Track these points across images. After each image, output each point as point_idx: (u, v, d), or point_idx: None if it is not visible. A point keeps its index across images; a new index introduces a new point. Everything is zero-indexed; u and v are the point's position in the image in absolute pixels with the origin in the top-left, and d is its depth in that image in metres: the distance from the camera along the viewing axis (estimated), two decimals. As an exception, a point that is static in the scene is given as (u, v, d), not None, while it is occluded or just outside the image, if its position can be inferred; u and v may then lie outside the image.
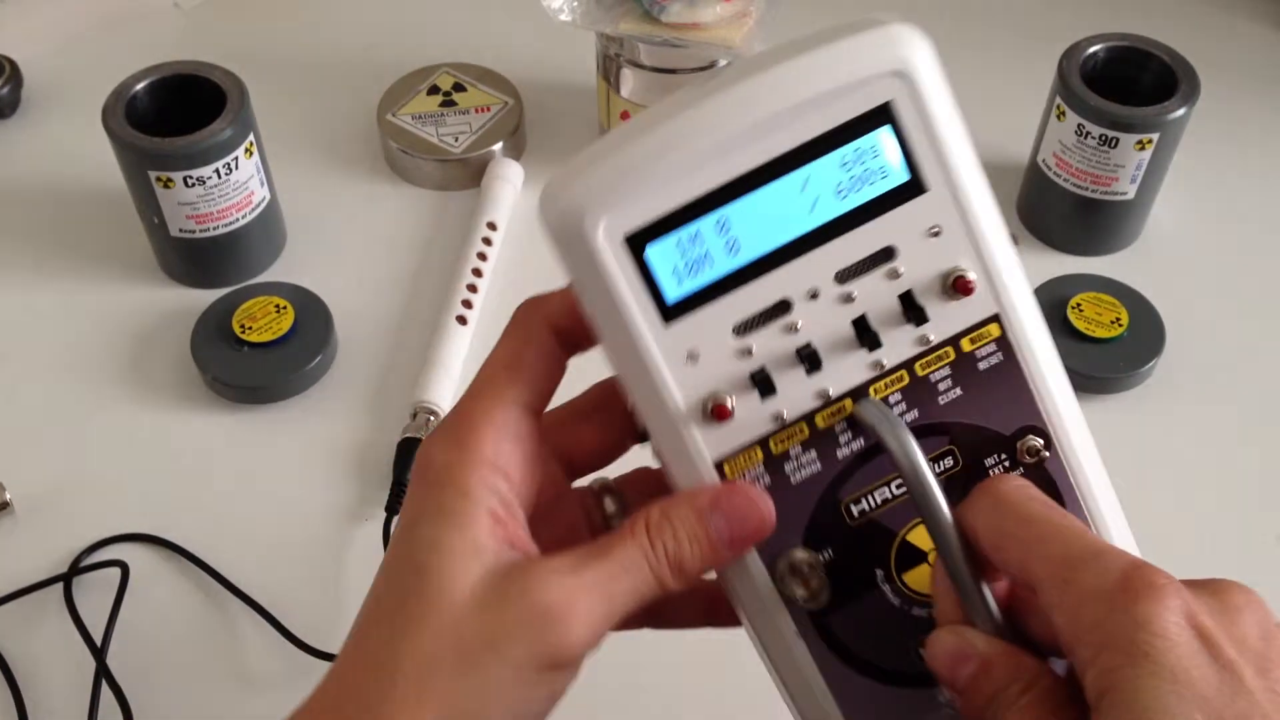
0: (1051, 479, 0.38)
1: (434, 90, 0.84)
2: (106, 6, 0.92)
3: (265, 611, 0.61)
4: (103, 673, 0.59)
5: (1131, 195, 0.75)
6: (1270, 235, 0.80)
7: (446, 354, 0.70)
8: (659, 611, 0.41)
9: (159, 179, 0.70)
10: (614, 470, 0.44)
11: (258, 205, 0.74)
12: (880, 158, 0.35)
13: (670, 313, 0.35)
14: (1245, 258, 0.79)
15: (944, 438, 0.38)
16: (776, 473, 0.37)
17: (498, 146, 0.81)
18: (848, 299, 0.36)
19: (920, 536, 0.38)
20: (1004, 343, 0.37)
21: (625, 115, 0.78)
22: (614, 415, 0.41)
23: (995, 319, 0.37)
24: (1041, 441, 0.38)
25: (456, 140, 0.81)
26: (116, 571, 0.62)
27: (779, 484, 0.37)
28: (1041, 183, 0.77)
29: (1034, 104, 0.77)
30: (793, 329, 0.36)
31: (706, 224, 0.35)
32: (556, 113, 0.86)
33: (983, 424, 0.38)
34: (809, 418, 0.37)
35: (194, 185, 0.70)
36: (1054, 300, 0.72)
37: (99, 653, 0.59)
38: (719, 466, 0.37)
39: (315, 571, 0.63)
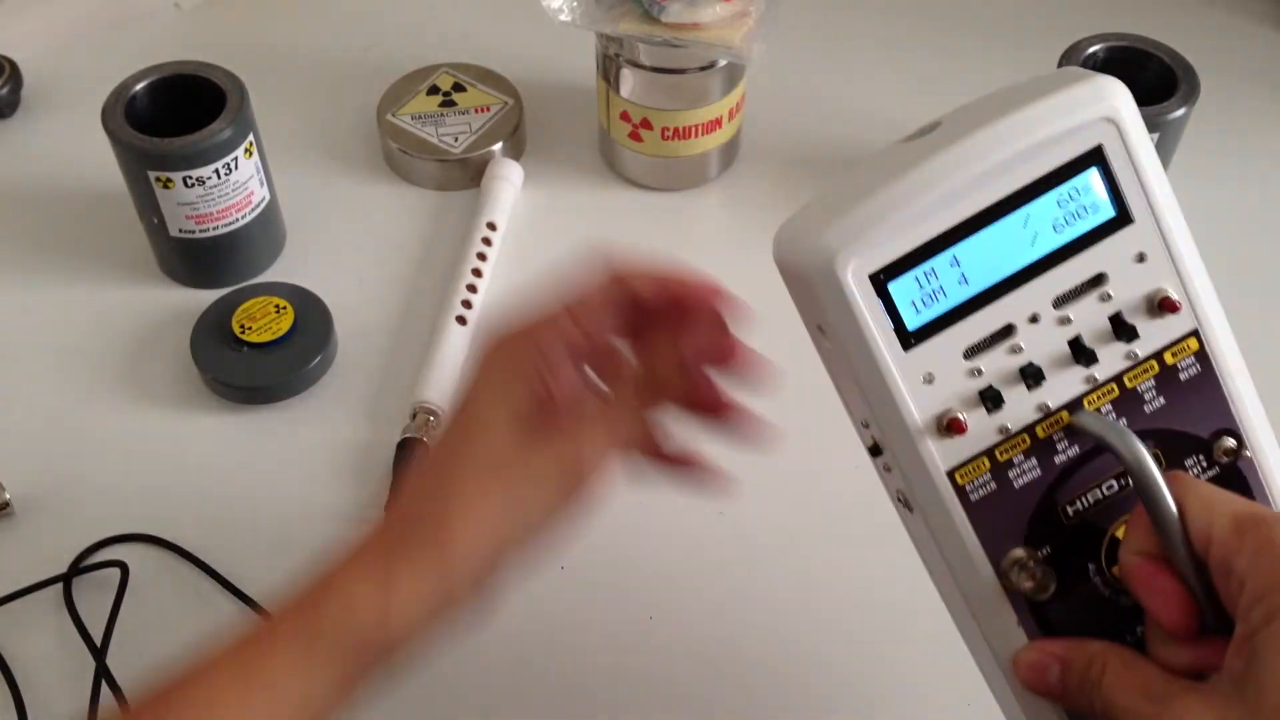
0: (1244, 476, 0.43)
1: (434, 90, 0.84)
2: (106, 6, 0.92)
3: (265, 611, 0.61)
4: (102, 673, 0.59)
5: (1131, 195, 0.75)
6: (1270, 235, 0.80)
7: (446, 354, 0.70)
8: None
9: (159, 179, 0.70)
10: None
11: (257, 205, 0.74)
12: (1091, 194, 0.40)
13: (910, 340, 0.40)
14: (1245, 257, 0.79)
15: (1149, 442, 0.41)
16: (1001, 479, 0.41)
17: (497, 146, 0.81)
18: (1065, 321, 0.41)
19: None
20: (1201, 355, 0.42)
21: (625, 115, 0.78)
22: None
23: (1194, 333, 0.42)
24: (1235, 442, 0.42)
25: (456, 140, 0.81)
26: (116, 571, 0.62)
27: (1003, 488, 0.41)
28: (1041, 183, 0.77)
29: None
30: (1017, 350, 0.41)
31: (941, 261, 0.40)
32: (556, 113, 0.86)
33: (1183, 428, 0.42)
34: (1030, 429, 0.41)
35: (194, 185, 0.70)
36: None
37: (99, 653, 0.59)
38: (950, 475, 0.41)
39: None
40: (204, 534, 0.65)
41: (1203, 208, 0.81)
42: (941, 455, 0.41)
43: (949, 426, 0.40)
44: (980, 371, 0.41)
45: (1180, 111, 0.71)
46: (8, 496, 0.65)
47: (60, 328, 0.74)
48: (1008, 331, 0.41)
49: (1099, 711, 0.39)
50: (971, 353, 0.41)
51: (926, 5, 0.95)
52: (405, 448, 0.66)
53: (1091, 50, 0.75)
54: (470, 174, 0.81)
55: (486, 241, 0.76)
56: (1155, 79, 0.74)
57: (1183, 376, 0.42)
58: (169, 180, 0.70)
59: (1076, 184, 0.40)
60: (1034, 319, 0.41)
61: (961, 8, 0.95)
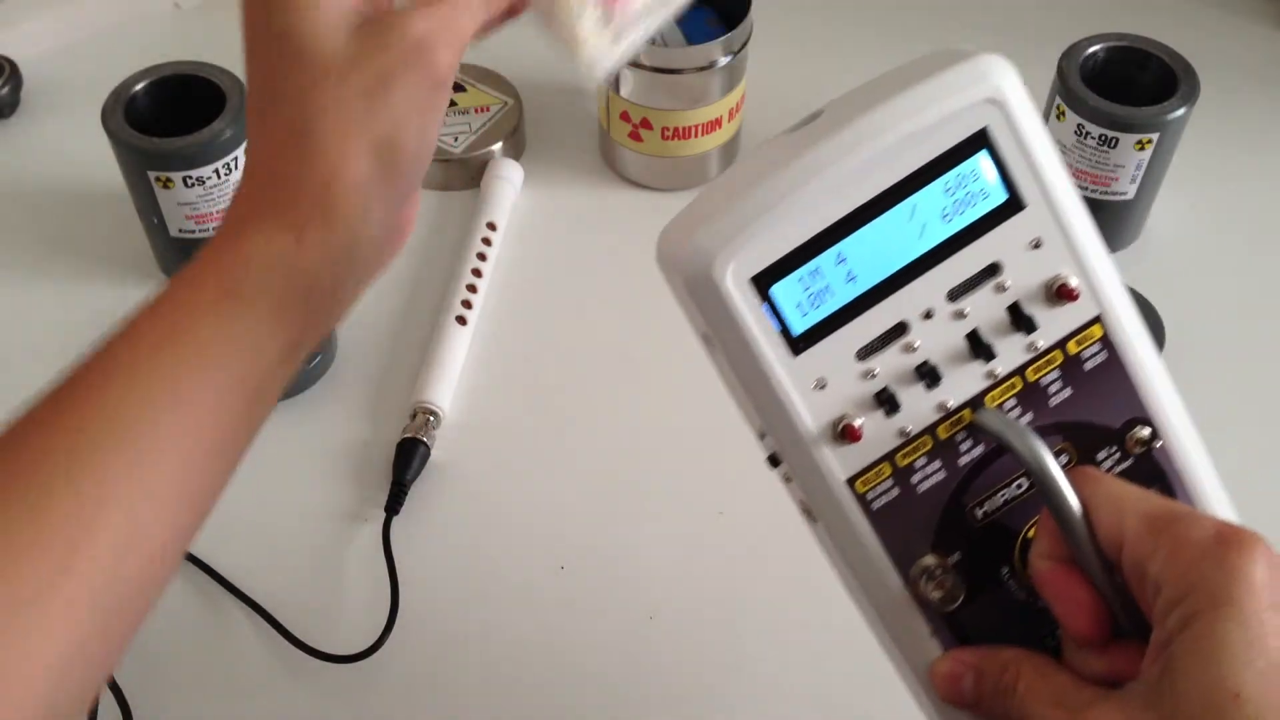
0: (1160, 467, 0.41)
1: (434, 90, 0.84)
2: (106, 6, 0.92)
3: (264, 611, 0.61)
4: (102, 673, 0.59)
5: (1131, 195, 0.75)
6: (1270, 235, 0.80)
7: (446, 354, 0.70)
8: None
9: (159, 179, 0.70)
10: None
11: (258, 205, 0.74)
12: (980, 180, 0.38)
13: (798, 344, 0.38)
14: (1245, 258, 0.79)
15: (1057, 436, 0.40)
16: (904, 484, 0.39)
17: (498, 146, 0.81)
18: (960, 315, 0.39)
19: None
20: (1106, 341, 0.40)
21: (625, 115, 0.78)
22: None
23: (1097, 320, 0.40)
24: (1149, 431, 0.40)
25: (456, 140, 0.81)
26: (116, 571, 0.62)
27: (906, 494, 0.39)
28: (1041, 183, 0.77)
29: (1034, 104, 0.77)
30: (911, 348, 0.39)
31: (825, 259, 0.37)
32: (556, 113, 0.86)
33: (1093, 420, 0.40)
34: (931, 430, 0.39)
35: (194, 185, 0.70)
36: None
37: (99, 653, 0.59)
38: (850, 483, 0.39)
39: (314, 572, 0.63)
40: (204, 534, 0.64)
41: (1203, 208, 0.81)
42: (839, 463, 0.39)
43: (844, 433, 0.38)
44: (874, 373, 0.39)
45: (1180, 111, 0.71)
46: (8, 496, 0.65)
47: (60, 328, 0.74)
48: (901, 329, 0.38)
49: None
50: (864, 354, 0.38)
51: (927, 5, 0.95)
52: (405, 448, 0.66)
53: (1091, 50, 0.75)
54: (470, 174, 0.81)
55: (486, 241, 0.76)
56: (1155, 79, 0.74)
57: (1088, 366, 0.40)
58: (169, 180, 0.70)
59: (963, 170, 0.37)
60: (928, 315, 0.38)
61: (961, 8, 0.95)
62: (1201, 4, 0.95)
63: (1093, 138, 0.72)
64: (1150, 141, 0.72)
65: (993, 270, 0.39)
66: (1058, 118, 0.74)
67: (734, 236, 0.37)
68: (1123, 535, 0.36)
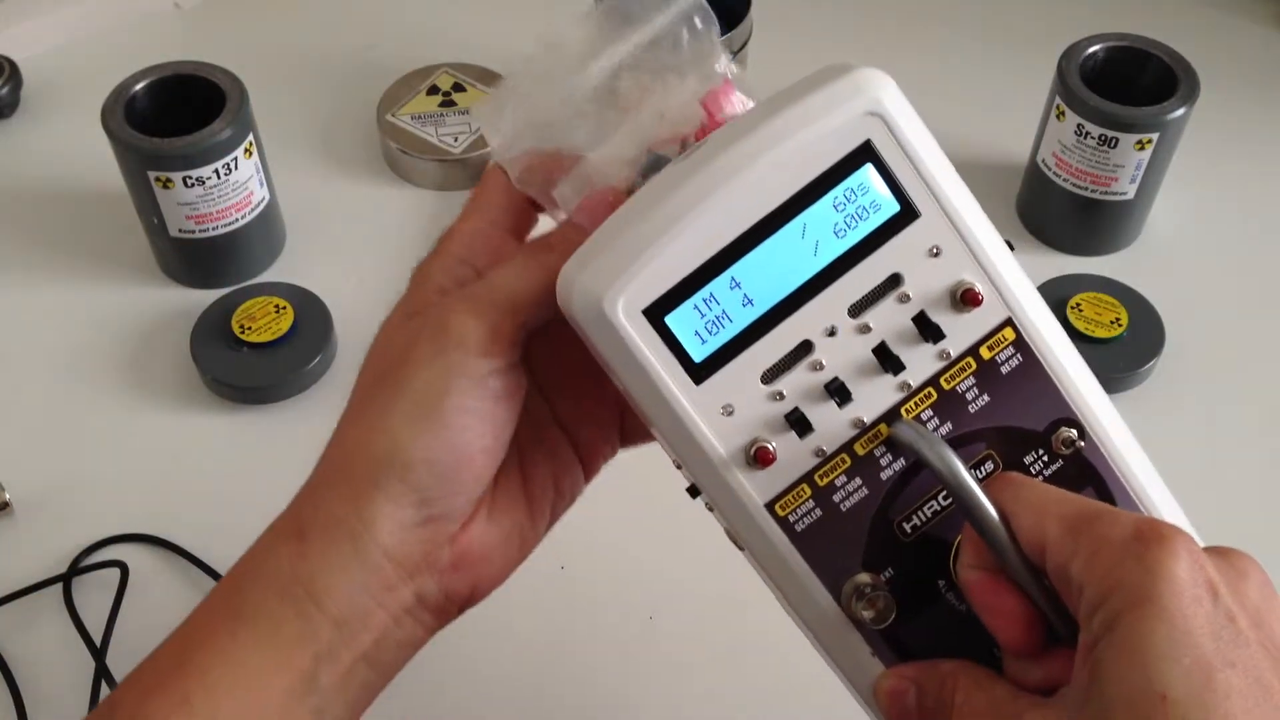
0: (1092, 466, 0.40)
1: (434, 90, 0.84)
2: (106, 6, 0.92)
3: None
4: (102, 673, 0.59)
5: (1131, 195, 0.75)
6: (1270, 235, 0.80)
7: (446, 354, 0.70)
8: (623, 423, 0.46)
9: (159, 179, 0.70)
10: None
11: (257, 205, 0.74)
12: (870, 193, 0.37)
13: (699, 373, 0.37)
14: (1245, 258, 0.79)
15: (980, 444, 0.39)
16: (826, 504, 0.39)
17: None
18: (865, 329, 0.38)
19: None
20: (1020, 343, 0.39)
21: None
22: None
23: (1008, 323, 0.39)
24: (1075, 432, 0.39)
25: (456, 140, 0.81)
26: (116, 571, 0.62)
27: (830, 514, 0.39)
28: (1041, 183, 0.77)
29: (1034, 104, 0.77)
30: (818, 366, 0.38)
31: (718, 285, 0.37)
32: (556, 113, 0.86)
33: (1015, 424, 0.39)
34: (848, 447, 0.39)
35: (194, 185, 0.70)
36: (1054, 301, 0.72)
37: (99, 653, 0.59)
38: (770, 507, 0.38)
39: (315, 571, 0.63)
40: (204, 534, 0.64)
41: (1203, 208, 0.81)
42: (756, 488, 0.38)
43: (757, 457, 0.38)
44: (782, 394, 0.38)
45: (1180, 111, 0.71)
46: (8, 496, 0.65)
47: (60, 327, 0.74)
48: (805, 349, 0.38)
49: None
50: (770, 376, 0.38)
51: (927, 6, 0.95)
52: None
53: (1091, 50, 0.75)
54: (470, 174, 0.81)
55: (486, 241, 0.76)
56: (1155, 79, 0.74)
57: (1004, 369, 0.39)
58: (169, 180, 0.70)
59: (851, 184, 0.37)
60: (831, 332, 0.38)
61: (961, 8, 0.95)
62: (1201, 4, 0.95)
63: (1093, 138, 0.72)
64: (1150, 141, 0.72)
65: (894, 282, 0.38)
66: (1058, 118, 0.74)
67: (621, 271, 0.36)
68: (1045, 540, 0.35)
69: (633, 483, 0.67)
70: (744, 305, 0.37)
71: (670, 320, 0.37)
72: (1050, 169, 0.76)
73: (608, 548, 0.65)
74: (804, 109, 0.37)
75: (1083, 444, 0.40)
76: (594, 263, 0.37)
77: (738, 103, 0.39)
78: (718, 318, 0.37)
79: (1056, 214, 0.78)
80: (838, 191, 0.37)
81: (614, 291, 0.36)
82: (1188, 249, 0.79)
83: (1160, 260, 0.78)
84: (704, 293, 0.37)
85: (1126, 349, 0.71)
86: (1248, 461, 0.69)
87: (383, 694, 0.62)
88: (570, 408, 0.44)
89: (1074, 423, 0.39)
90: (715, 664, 0.61)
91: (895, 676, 0.39)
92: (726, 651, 0.61)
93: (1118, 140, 0.72)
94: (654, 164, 0.39)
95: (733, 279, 0.37)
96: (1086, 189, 0.75)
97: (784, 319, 0.37)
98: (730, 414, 0.38)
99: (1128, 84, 0.75)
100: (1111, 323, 0.71)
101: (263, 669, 0.38)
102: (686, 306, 0.37)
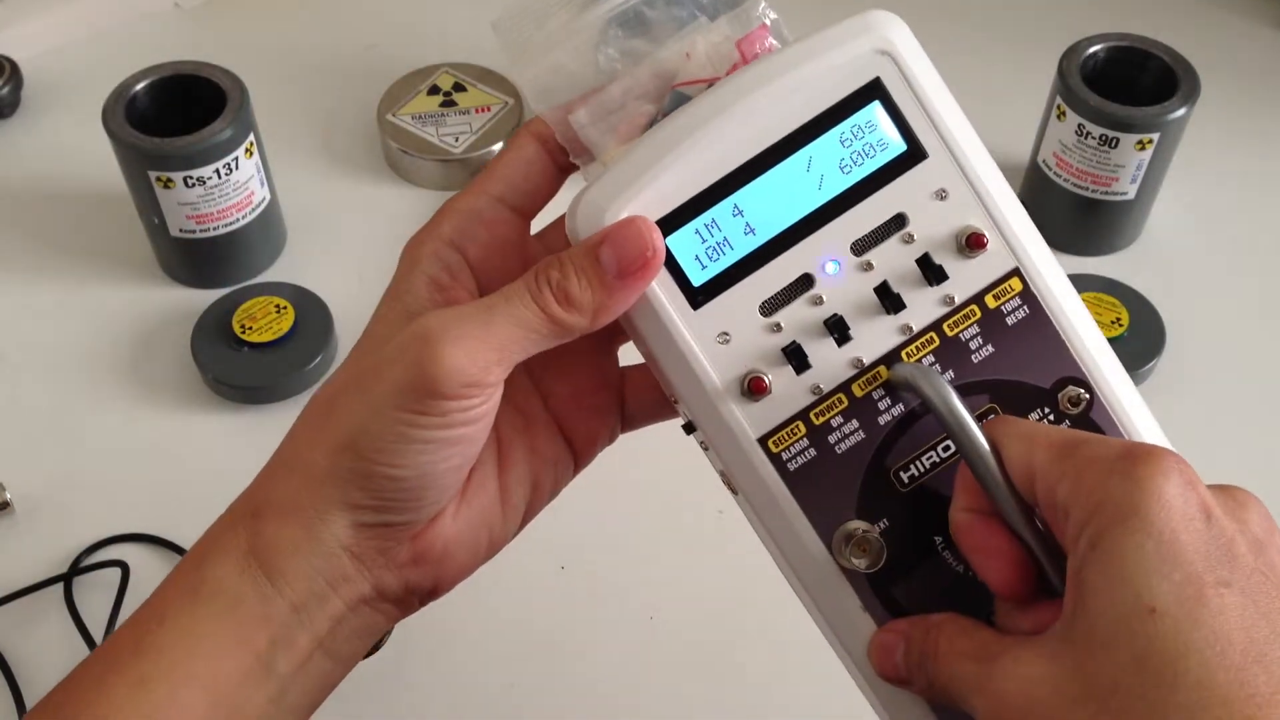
0: (1099, 427, 0.39)
1: (434, 90, 0.84)
2: (106, 6, 0.92)
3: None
4: (103, 673, 0.59)
5: (1131, 195, 0.75)
6: (1270, 235, 0.80)
7: (446, 354, 0.70)
8: (625, 407, 0.44)
9: (159, 179, 0.70)
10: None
11: (258, 205, 0.74)
12: (877, 131, 0.37)
13: (698, 298, 0.37)
14: (1245, 258, 0.79)
15: (984, 396, 0.39)
16: (821, 444, 0.38)
17: (498, 146, 0.81)
18: (867, 267, 0.38)
19: None
20: (1028, 295, 0.38)
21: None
22: None
23: (1016, 273, 0.38)
24: (1082, 390, 0.39)
25: (456, 140, 0.81)
26: (116, 571, 0.62)
27: (824, 455, 0.38)
28: (1042, 183, 0.77)
29: (1034, 104, 0.77)
30: (818, 301, 0.38)
31: (721, 210, 0.37)
32: (556, 113, 0.86)
33: (1021, 379, 0.39)
34: (846, 387, 0.38)
35: (194, 185, 0.70)
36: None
37: (99, 653, 0.59)
38: (763, 442, 0.38)
39: (315, 571, 0.63)
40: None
41: (1203, 208, 0.81)
42: (749, 420, 0.38)
43: (752, 387, 0.37)
44: (780, 327, 0.37)
45: (1180, 111, 0.71)
46: (8, 496, 0.65)
47: (60, 327, 0.74)
48: (806, 282, 0.37)
49: (938, 687, 0.36)
50: (769, 308, 0.37)
51: (926, 6, 0.95)
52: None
53: (1091, 50, 0.75)
54: (470, 174, 0.81)
55: (487, 241, 0.76)
56: (1155, 79, 0.74)
57: (1010, 320, 0.38)
58: (169, 180, 0.70)
59: (858, 120, 0.37)
60: (833, 268, 0.38)
61: (962, 8, 0.95)
62: (1201, 4, 0.95)
63: (1093, 138, 0.72)
64: (1150, 141, 0.72)
65: (898, 222, 0.38)
66: (1058, 118, 0.74)
67: (624, 189, 0.36)
68: (1033, 469, 0.34)
69: (633, 482, 0.67)
70: (745, 233, 0.37)
71: (671, 242, 0.37)
72: (1051, 169, 0.76)
73: (608, 548, 0.65)
74: (814, 44, 0.37)
75: (1090, 403, 0.39)
76: (598, 183, 0.37)
77: (773, 48, 0.39)
78: (719, 244, 0.37)
79: (1057, 214, 0.78)
80: (845, 127, 0.37)
81: (615, 209, 0.36)
82: (1188, 249, 0.79)
83: (1160, 260, 0.78)
84: (706, 217, 0.37)
85: (1127, 349, 0.71)
86: (1248, 461, 0.69)
87: (381, 693, 0.62)
88: (566, 397, 0.43)
89: (1082, 382, 0.39)
90: (715, 664, 0.61)
91: (887, 630, 0.38)
92: (726, 651, 0.61)
93: (1118, 140, 0.72)
94: (676, 103, 0.38)
95: (735, 206, 0.37)
96: (1087, 189, 0.75)
97: (785, 250, 0.37)
98: (726, 342, 0.38)
99: (1128, 84, 0.75)
100: (1112, 323, 0.71)
101: (220, 648, 0.38)
102: (688, 230, 0.37)
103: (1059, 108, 0.74)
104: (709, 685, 0.60)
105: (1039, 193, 0.78)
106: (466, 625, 0.62)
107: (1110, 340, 0.72)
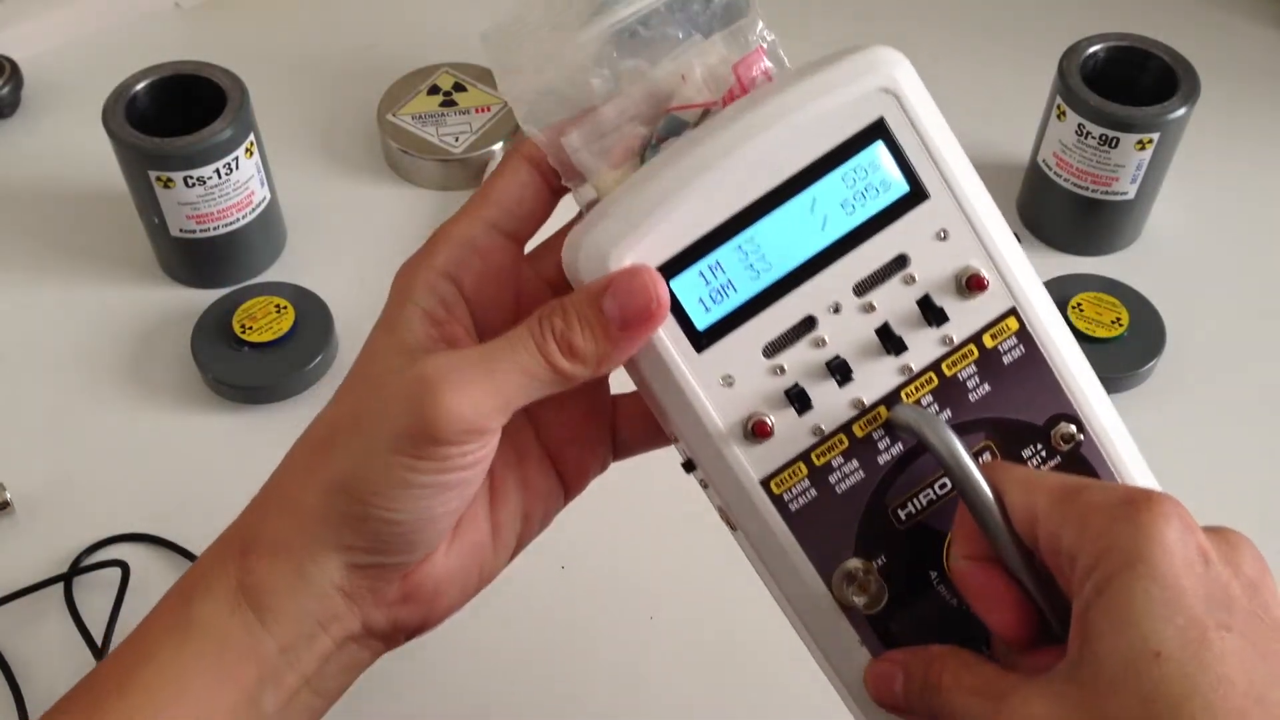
0: (1089, 463, 0.40)
1: (434, 90, 0.84)
2: (106, 6, 0.92)
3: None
4: (103, 673, 0.59)
5: (1131, 195, 0.75)
6: (1270, 235, 0.80)
7: (446, 354, 0.70)
8: (616, 435, 0.44)
9: (159, 179, 0.70)
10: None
11: (258, 205, 0.74)
12: (880, 171, 0.37)
13: (701, 341, 0.37)
14: (1245, 258, 0.79)
15: (979, 434, 0.39)
16: (821, 484, 0.38)
17: (498, 146, 0.81)
18: (869, 309, 0.38)
19: None
20: (1024, 334, 0.39)
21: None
22: None
23: (1012, 312, 0.39)
24: (1074, 428, 0.39)
25: (457, 140, 0.81)
26: (116, 571, 0.62)
27: (825, 495, 0.38)
28: (1042, 183, 0.77)
29: (1034, 104, 0.77)
30: (820, 343, 0.38)
31: (725, 253, 0.37)
32: (556, 113, 0.86)
33: (1015, 416, 0.39)
34: (847, 428, 0.38)
35: (194, 185, 0.70)
36: (1055, 300, 0.71)
37: (99, 653, 0.59)
38: (765, 484, 0.38)
39: (315, 571, 0.63)
40: (204, 534, 0.64)
41: (1203, 208, 0.81)
42: (752, 463, 0.38)
43: (755, 430, 0.37)
44: (783, 369, 0.38)
45: (1180, 111, 0.71)
46: (8, 496, 0.65)
47: (60, 328, 0.74)
48: (809, 324, 0.38)
49: (943, 718, 0.36)
50: (772, 350, 0.38)
51: (927, 6, 0.95)
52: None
53: (1091, 50, 0.75)
54: (470, 174, 0.81)
55: (487, 241, 0.76)
56: (1155, 79, 0.74)
57: (1006, 360, 0.39)
58: (169, 180, 0.70)
59: (862, 160, 0.37)
60: (836, 309, 0.38)
61: (961, 8, 0.95)
62: (1201, 4, 0.95)
63: (1093, 138, 0.72)
64: (1150, 141, 0.72)
65: (900, 263, 0.38)
66: (1058, 118, 0.74)
67: (629, 232, 0.36)
68: (1035, 515, 0.35)
69: (633, 483, 0.67)
70: (750, 276, 0.37)
71: (675, 285, 0.37)
72: (1051, 169, 0.76)
73: (608, 548, 0.65)
74: (819, 82, 0.37)
75: (1081, 440, 0.39)
76: (601, 223, 0.36)
77: (769, 72, 0.39)
78: (723, 286, 0.37)
79: (1057, 214, 0.78)
80: (848, 167, 0.37)
81: (619, 252, 0.36)
82: (1188, 249, 0.79)
83: (1160, 260, 0.78)
84: (710, 260, 0.37)
85: (1127, 349, 0.71)
86: (1248, 461, 0.69)
87: (381, 693, 0.62)
88: (558, 428, 0.43)
89: (1074, 419, 0.39)
90: (715, 664, 0.61)
91: (883, 660, 0.38)
92: (727, 651, 0.61)
93: (1118, 140, 0.72)
94: (671, 127, 0.38)
95: (740, 248, 0.37)
96: (1087, 189, 0.75)
97: (788, 292, 0.37)
98: (730, 385, 0.38)
99: (1128, 84, 0.75)
100: (1112, 323, 0.71)
101: (208, 688, 0.38)
102: (692, 272, 0.37)
103: (1059, 107, 0.74)
104: (709, 685, 0.60)
105: (1039, 193, 0.78)
106: (466, 625, 0.62)
107: (1110, 340, 0.73)
